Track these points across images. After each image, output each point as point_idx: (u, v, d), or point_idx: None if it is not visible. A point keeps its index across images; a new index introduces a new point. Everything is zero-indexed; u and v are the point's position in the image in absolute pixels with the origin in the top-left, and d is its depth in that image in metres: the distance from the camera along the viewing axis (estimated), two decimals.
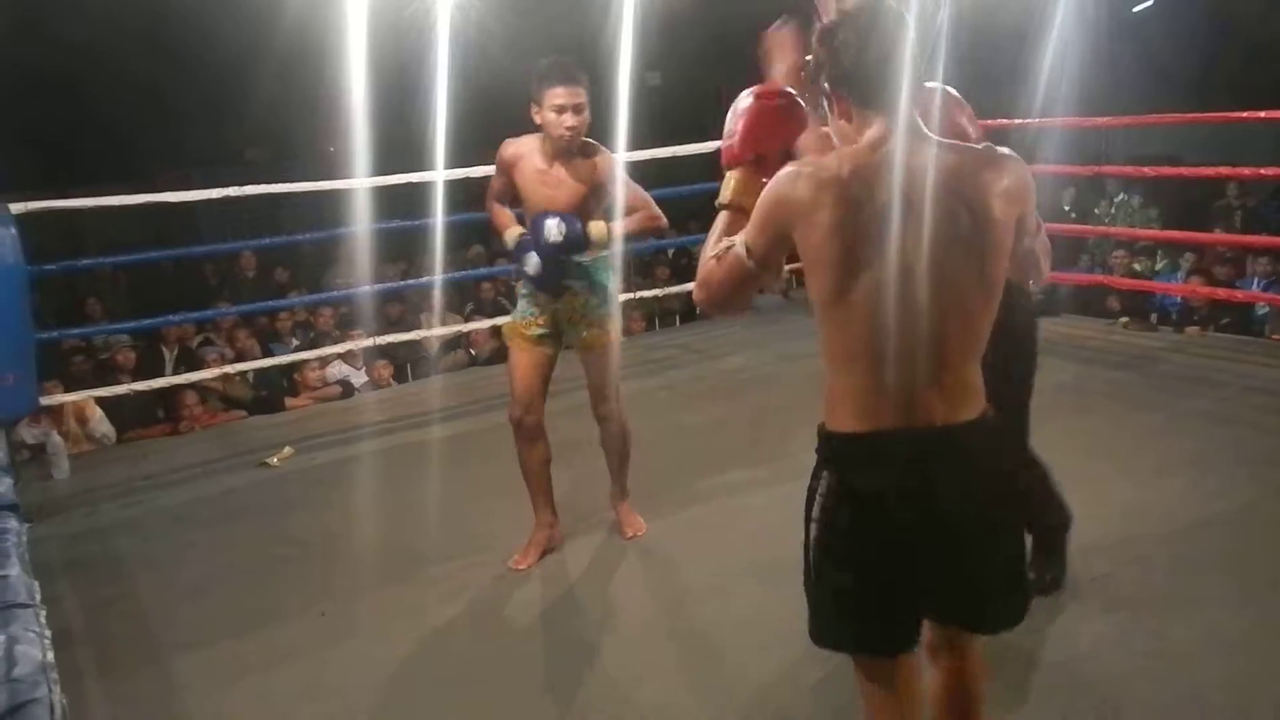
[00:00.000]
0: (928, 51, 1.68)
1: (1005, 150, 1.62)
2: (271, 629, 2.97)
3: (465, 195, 6.16)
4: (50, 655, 0.98)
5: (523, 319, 3.19)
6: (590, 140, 3.09)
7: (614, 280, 3.21)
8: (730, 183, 1.76)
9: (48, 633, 1.04)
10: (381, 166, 5.34)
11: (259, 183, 5.01)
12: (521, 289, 3.26)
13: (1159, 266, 8.08)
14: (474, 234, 9.64)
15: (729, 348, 5.97)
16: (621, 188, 3.10)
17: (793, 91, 1.80)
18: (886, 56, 1.56)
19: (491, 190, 3.24)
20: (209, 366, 5.61)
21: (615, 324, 3.23)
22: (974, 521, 1.57)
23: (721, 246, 1.67)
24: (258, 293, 7.47)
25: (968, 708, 1.72)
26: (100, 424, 5.26)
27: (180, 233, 8.33)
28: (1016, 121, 6.42)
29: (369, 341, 5.75)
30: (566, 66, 2.96)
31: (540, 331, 3.16)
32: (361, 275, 6.16)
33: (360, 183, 5.25)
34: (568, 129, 2.95)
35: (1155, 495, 3.50)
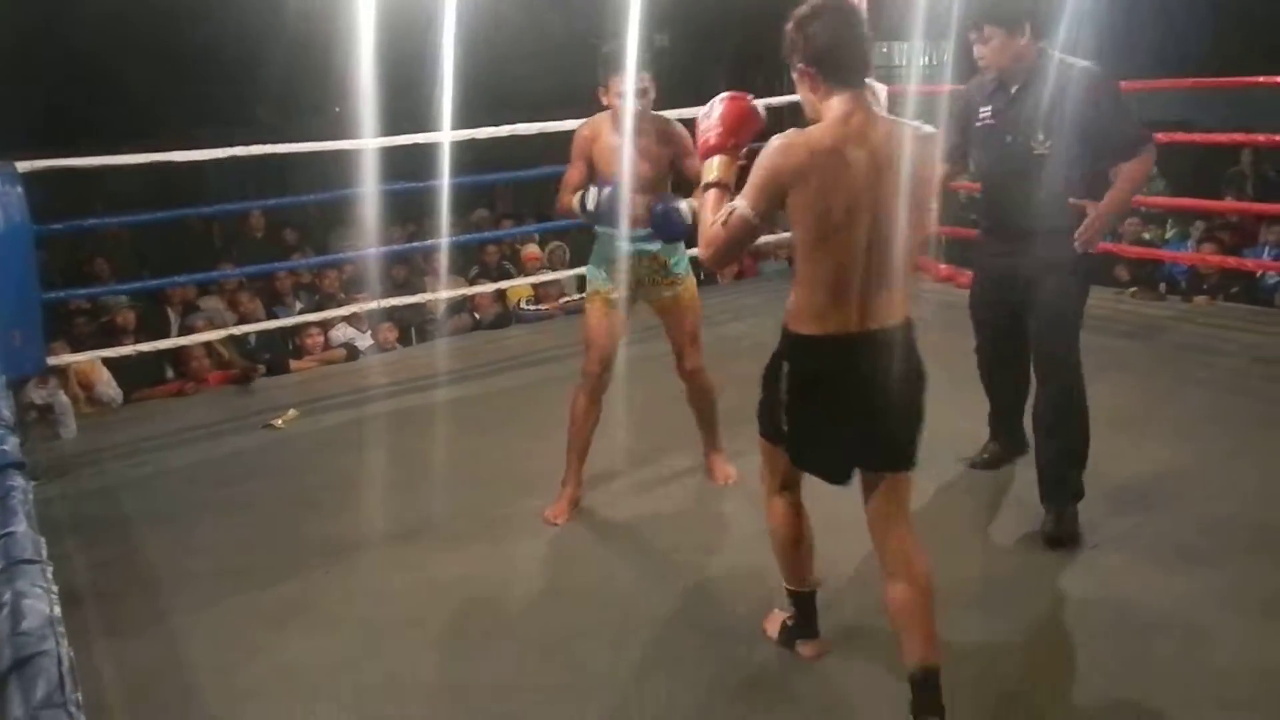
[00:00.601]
0: (859, 39, 2.10)
1: (927, 126, 2.16)
2: (277, 588, 3.00)
3: (471, 157, 6.12)
4: (57, 610, 0.99)
5: (606, 285, 3.31)
6: (661, 115, 3.29)
7: (683, 245, 3.34)
8: (715, 166, 2.20)
9: (54, 589, 1.05)
10: (389, 128, 5.30)
11: (268, 142, 4.98)
12: (597, 254, 3.36)
13: (1169, 235, 8.02)
14: (480, 197, 9.61)
15: (730, 314, 5.95)
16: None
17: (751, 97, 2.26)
18: (849, 43, 2.07)
19: (569, 182, 3.28)
20: (198, 331, 5.61)
21: (692, 281, 3.40)
22: (893, 392, 2.12)
23: (724, 212, 2.10)
24: (263, 254, 7.47)
25: (886, 525, 2.22)
26: (107, 387, 5.26)
27: (188, 192, 8.30)
28: None
29: (374, 304, 5.74)
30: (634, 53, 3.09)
31: (618, 296, 3.29)
32: (367, 238, 6.14)
33: (366, 143, 5.21)
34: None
35: (1165, 461, 3.50)
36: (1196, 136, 6.71)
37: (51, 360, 4.55)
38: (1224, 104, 10.53)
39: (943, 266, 6.63)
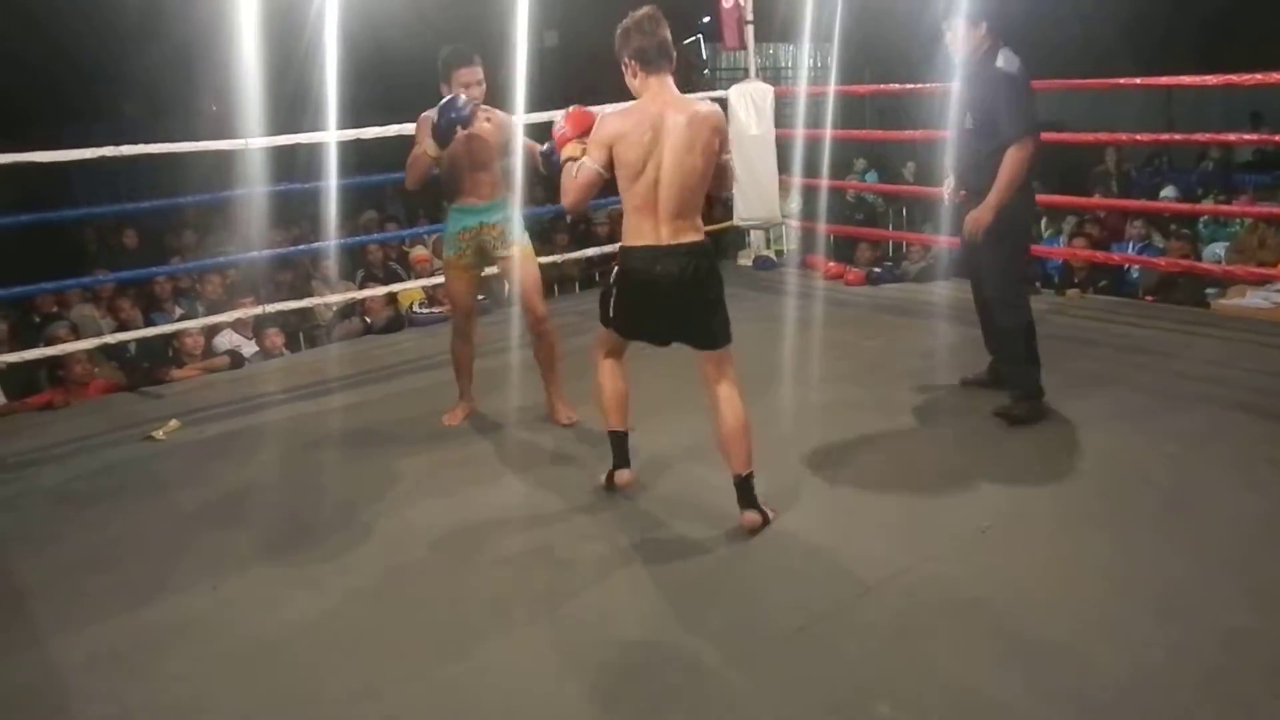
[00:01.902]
0: (660, 40, 2.99)
1: (711, 104, 3.04)
2: (160, 604, 2.88)
3: (357, 158, 6.00)
4: None
5: (456, 254, 4.06)
6: (488, 106, 3.96)
7: (518, 215, 4.10)
8: (569, 149, 3.11)
9: None
10: (269, 128, 5.14)
11: (136, 141, 4.76)
12: (452, 229, 4.05)
13: (1045, 233, 8.37)
14: (366, 200, 9.40)
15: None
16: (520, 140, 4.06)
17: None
18: (655, 44, 2.98)
19: (416, 160, 3.87)
20: (59, 340, 5.37)
21: (528, 245, 4.11)
22: (688, 291, 3.02)
23: (574, 168, 3.04)
24: (140, 259, 7.16)
25: (712, 383, 3.12)
26: None
27: (52, 194, 7.88)
28: (908, 87, 6.54)
29: (258, 310, 5.57)
30: (466, 51, 3.83)
31: (468, 261, 4.06)
32: (251, 241, 5.95)
33: (248, 143, 5.05)
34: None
35: (1039, 451, 3.65)
36: (1067, 136, 7.00)
37: None
38: (1092, 105, 11.04)
39: (831, 264, 6.79)
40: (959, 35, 3.83)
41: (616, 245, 3.23)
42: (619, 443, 3.38)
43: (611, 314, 3.16)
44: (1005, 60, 3.75)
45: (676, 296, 3.02)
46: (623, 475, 3.40)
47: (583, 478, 3.57)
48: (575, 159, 3.06)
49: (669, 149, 2.94)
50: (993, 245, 3.88)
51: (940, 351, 4.96)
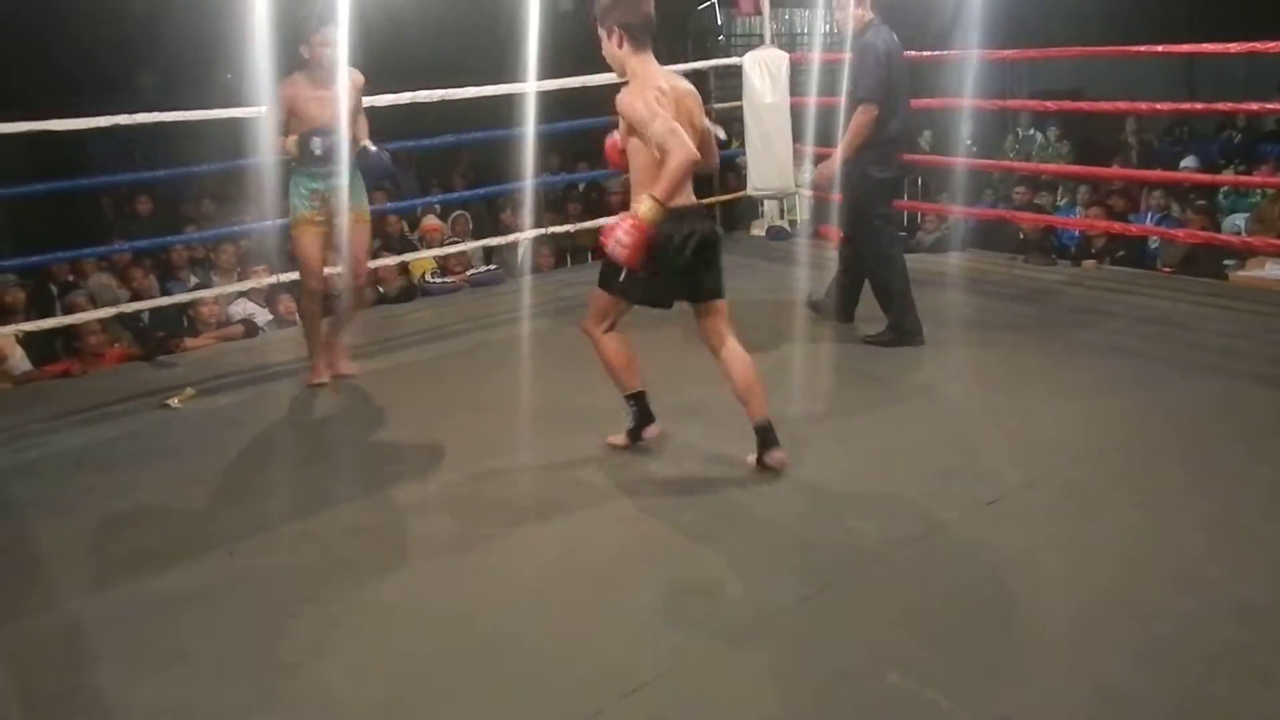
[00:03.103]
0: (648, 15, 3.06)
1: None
2: (177, 569, 2.91)
3: (372, 126, 5.97)
4: None
5: (309, 211, 4.17)
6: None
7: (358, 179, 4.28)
8: (646, 207, 2.97)
9: None
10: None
11: (152, 110, 4.76)
12: (301, 190, 4.17)
13: (1060, 202, 8.30)
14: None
15: None
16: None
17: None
18: (647, 18, 3.04)
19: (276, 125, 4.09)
20: (77, 309, 5.42)
21: (367, 209, 4.36)
22: (714, 240, 3.17)
23: (665, 133, 2.91)
24: (154, 228, 7.18)
25: (717, 335, 3.27)
26: (22, 362, 5.20)
27: (69, 166, 7.90)
28: (923, 54, 6.46)
29: (272, 279, 5.58)
30: (326, 13, 3.97)
31: (321, 219, 4.19)
32: (265, 210, 5.94)
33: (262, 111, 5.03)
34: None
35: (1051, 423, 3.64)
36: (1084, 105, 6.92)
37: None
38: (1111, 73, 10.88)
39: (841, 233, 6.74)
40: (848, 14, 4.46)
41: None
42: (642, 401, 3.44)
43: (623, 279, 3.15)
44: (874, 34, 4.41)
45: (705, 251, 3.12)
46: (652, 430, 3.46)
47: (590, 444, 3.59)
48: (656, 202, 2.93)
49: (685, 117, 3.03)
50: (849, 200, 4.58)
51: (953, 321, 4.94)
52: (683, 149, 2.89)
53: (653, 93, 2.97)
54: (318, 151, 4.00)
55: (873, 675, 2.25)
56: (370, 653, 2.47)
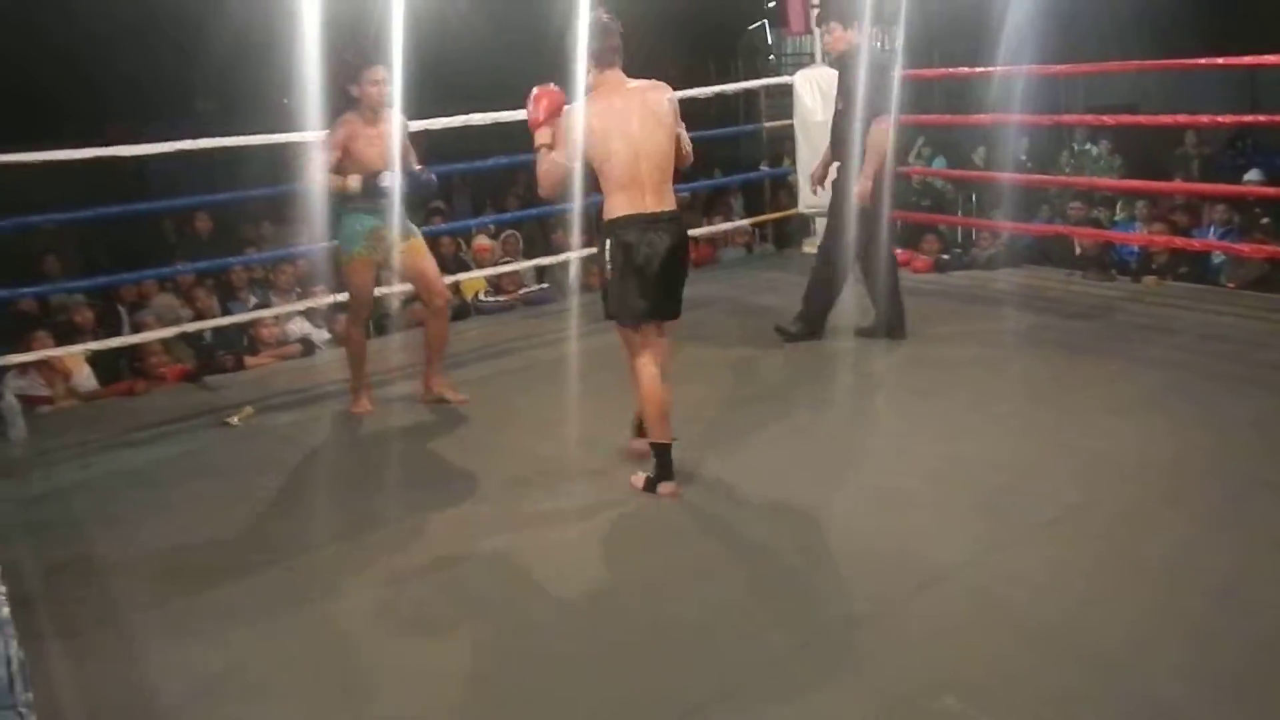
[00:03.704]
0: (611, 42, 3.29)
1: (662, 84, 3.34)
2: (234, 585, 2.97)
3: (425, 148, 6.06)
4: (7, 612, 0.97)
5: (363, 249, 4.19)
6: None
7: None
8: (543, 134, 3.33)
9: (3, 590, 1.03)
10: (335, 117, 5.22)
11: (211, 135, 4.90)
12: (356, 227, 4.17)
13: (1118, 217, 8.15)
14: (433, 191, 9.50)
15: (689, 303, 5.97)
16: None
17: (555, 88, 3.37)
18: (608, 44, 3.28)
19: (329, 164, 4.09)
20: (145, 328, 5.57)
21: (420, 239, 4.36)
22: (669, 257, 3.24)
23: (549, 162, 3.30)
24: (215, 250, 7.34)
25: (665, 360, 3.37)
26: (88, 380, 5.34)
27: (132, 190, 8.14)
28: (976, 70, 6.42)
29: (329, 299, 5.68)
30: (369, 50, 4.10)
31: (377, 256, 4.26)
32: (320, 232, 6.05)
33: (317, 136, 5.14)
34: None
35: (1106, 440, 3.57)
36: (1142, 119, 6.81)
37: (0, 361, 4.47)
38: (1169, 87, 10.69)
39: (897, 250, 6.67)
40: (836, 36, 4.66)
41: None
42: (665, 455, 3.35)
43: (608, 303, 3.33)
44: (866, 54, 4.65)
45: (670, 258, 3.24)
46: (668, 487, 3.34)
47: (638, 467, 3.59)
48: (547, 146, 3.30)
49: (636, 127, 3.20)
50: (839, 198, 4.80)
51: (1008, 338, 4.88)
52: (542, 182, 3.33)
53: (579, 116, 3.23)
54: (385, 184, 4.02)
55: (927, 698, 2.22)
56: (423, 669, 2.49)
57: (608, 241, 3.24)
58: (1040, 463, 3.42)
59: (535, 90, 3.37)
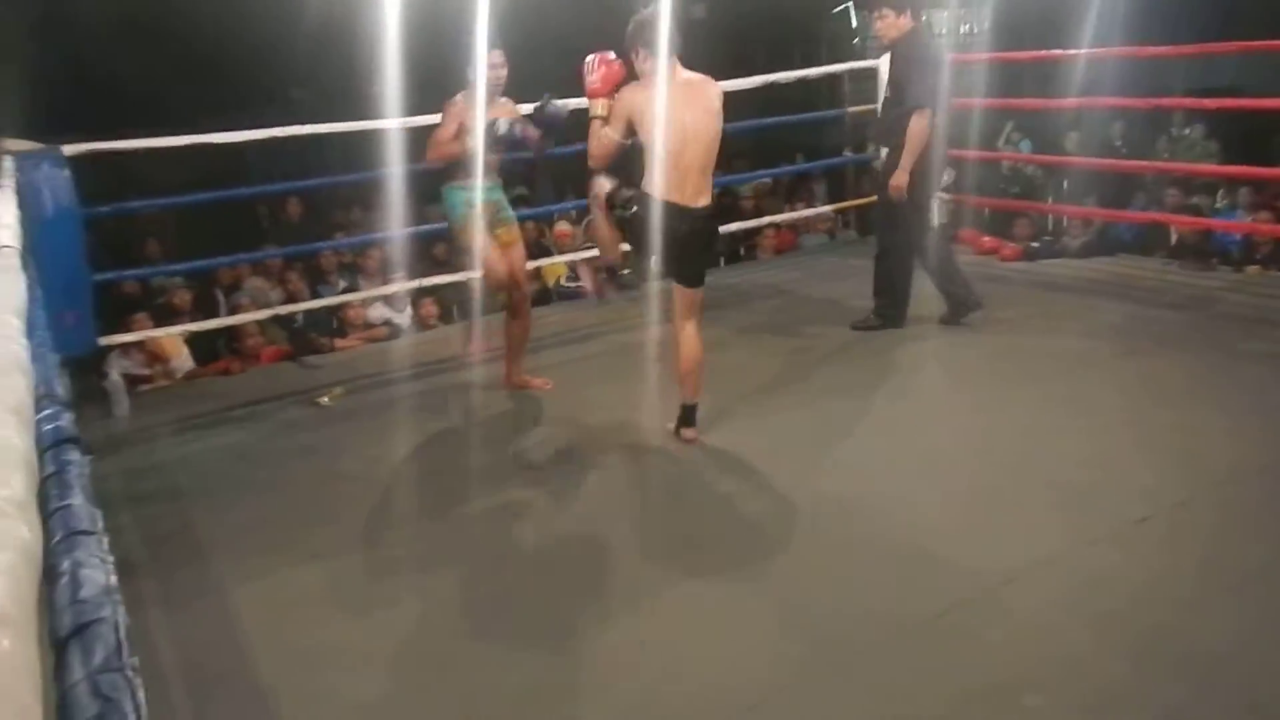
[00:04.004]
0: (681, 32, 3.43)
1: (713, 81, 3.52)
2: (325, 560, 3.07)
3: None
4: (114, 580, 1.03)
5: (469, 217, 4.12)
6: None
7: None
8: (598, 106, 3.52)
9: (111, 559, 1.08)
10: (424, 106, 5.32)
11: (303, 123, 5.04)
12: (462, 201, 4.16)
13: (1219, 204, 7.84)
14: (517, 177, 9.61)
15: (771, 290, 5.95)
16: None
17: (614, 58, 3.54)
18: (649, 36, 3.40)
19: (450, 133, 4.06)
20: (241, 310, 5.76)
21: (515, 225, 4.42)
22: (695, 240, 3.52)
23: (603, 135, 3.50)
24: (306, 234, 7.55)
25: (680, 320, 3.67)
26: (186, 361, 5.61)
27: (228, 176, 8.41)
28: (1069, 53, 6.24)
29: (414, 284, 5.80)
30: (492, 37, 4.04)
31: (492, 228, 4.25)
32: (406, 217, 6.18)
33: (404, 122, 5.25)
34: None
35: (1200, 438, 3.45)
36: (1246, 102, 6.54)
37: (102, 340, 4.67)
38: (1273, 69, 10.23)
39: (985, 238, 6.55)
40: (888, 22, 4.65)
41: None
42: (692, 411, 3.71)
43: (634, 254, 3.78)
44: (917, 41, 4.72)
45: (686, 243, 3.52)
46: (691, 432, 3.70)
47: (710, 460, 3.59)
48: (601, 118, 3.50)
49: (689, 114, 3.40)
50: (883, 195, 4.79)
51: (1101, 330, 4.75)
52: (592, 152, 3.54)
53: (634, 95, 3.44)
54: (502, 130, 3.98)
55: (1008, 696, 2.19)
56: (508, 651, 2.54)
57: (638, 211, 3.49)
58: (1131, 460, 3.33)
59: (594, 58, 3.52)
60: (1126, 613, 2.48)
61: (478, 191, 4.12)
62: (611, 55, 3.52)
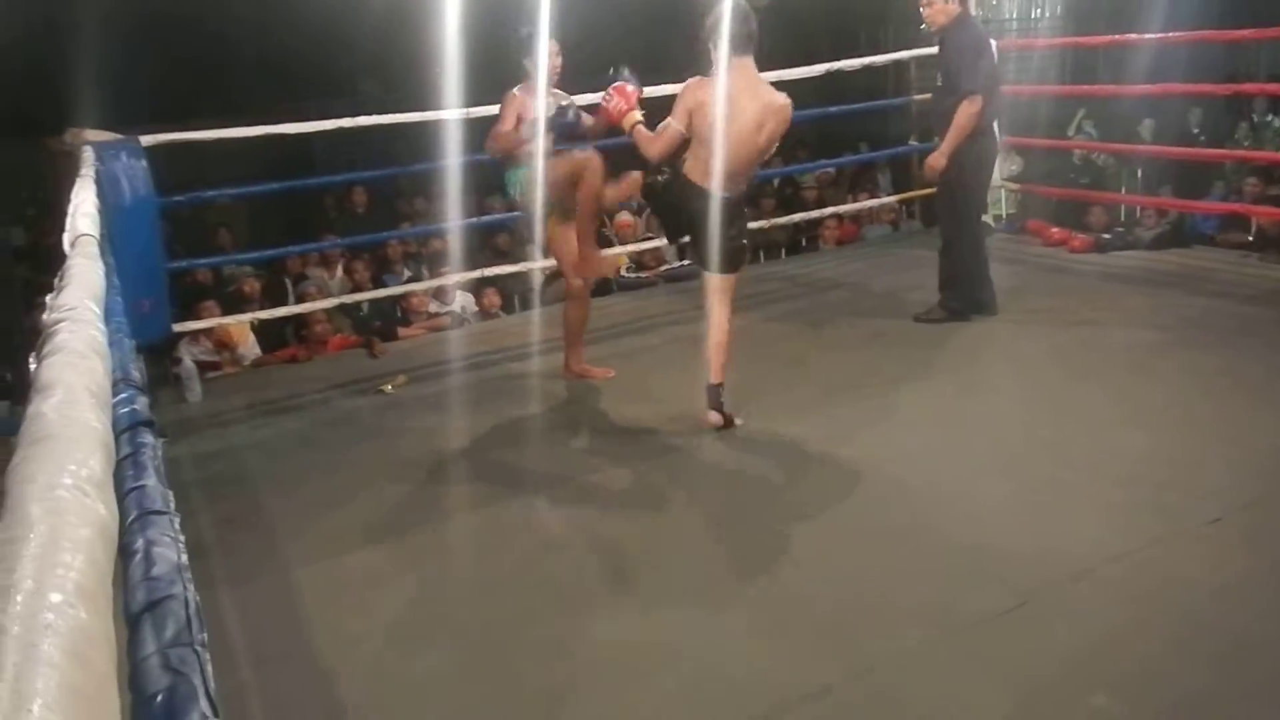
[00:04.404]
0: (748, 30, 3.56)
1: (783, 95, 3.61)
2: (387, 544, 3.12)
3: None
4: (184, 558, 1.06)
5: (531, 197, 4.17)
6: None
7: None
8: (635, 117, 3.73)
9: (182, 538, 1.12)
10: (487, 96, 5.36)
11: (370, 114, 5.12)
12: (522, 179, 4.20)
13: None
14: None
15: (832, 281, 5.89)
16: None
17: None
18: (745, 30, 3.54)
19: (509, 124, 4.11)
20: (308, 299, 5.88)
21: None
22: (708, 218, 3.61)
23: (661, 129, 3.62)
24: (371, 224, 7.67)
25: (712, 304, 3.77)
26: (253, 349, 5.75)
27: (297, 166, 8.57)
28: (1144, 37, 6.06)
29: (476, 274, 5.85)
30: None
31: (550, 210, 4.24)
32: (468, 208, 6.25)
33: (467, 112, 5.29)
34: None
35: (1277, 436, 3.34)
36: None
37: (176, 327, 4.80)
38: None
39: (1054, 230, 6.40)
40: (936, 8, 4.62)
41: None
42: (718, 392, 3.75)
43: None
44: (968, 27, 4.71)
45: (708, 229, 3.65)
46: (718, 417, 3.74)
47: (768, 449, 3.58)
48: (641, 123, 3.70)
49: (743, 114, 3.52)
50: (942, 186, 4.79)
51: (1174, 324, 4.61)
52: (652, 145, 3.63)
53: (699, 92, 3.55)
54: (570, 117, 4.15)
55: (1076, 695, 2.15)
56: (562, 630, 2.56)
57: (675, 193, 3.68)
58: (1205, 458, 3.24)
59: (611, 90, 3.78)
60: (1198, 614, 2.41)
61: (539, 169, 4.13)
62: (624, 84, 3.78)
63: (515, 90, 4.14)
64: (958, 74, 4.60)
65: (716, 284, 3.75)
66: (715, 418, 3.72)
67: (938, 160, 4.65)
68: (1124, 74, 7.39)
